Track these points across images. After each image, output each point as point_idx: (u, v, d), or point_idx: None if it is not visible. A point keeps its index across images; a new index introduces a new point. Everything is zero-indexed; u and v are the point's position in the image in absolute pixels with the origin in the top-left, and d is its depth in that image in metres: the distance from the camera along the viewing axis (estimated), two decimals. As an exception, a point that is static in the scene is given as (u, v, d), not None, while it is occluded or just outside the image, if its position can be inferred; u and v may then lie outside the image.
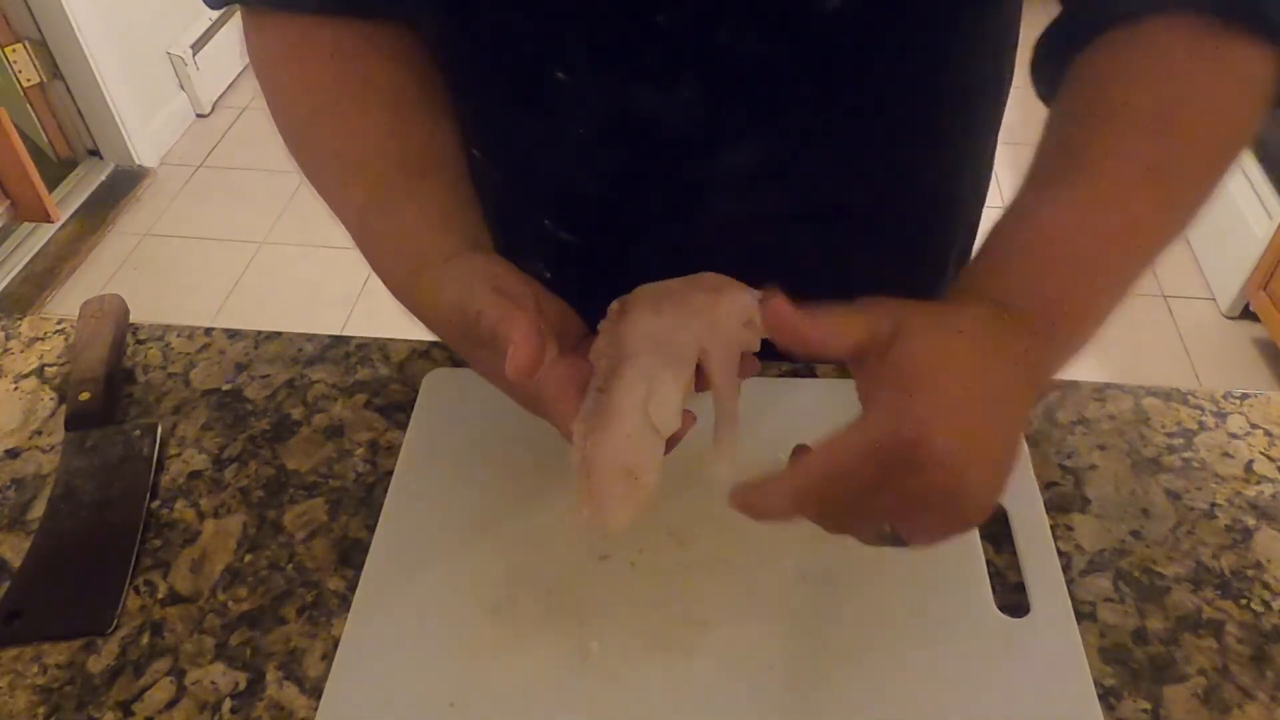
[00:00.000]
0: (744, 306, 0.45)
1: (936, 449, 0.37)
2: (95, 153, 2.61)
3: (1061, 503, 0.60)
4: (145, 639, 0.54)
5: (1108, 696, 0.51)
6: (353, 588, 0.55)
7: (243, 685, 0.52)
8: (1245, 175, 2.10)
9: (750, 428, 0.53)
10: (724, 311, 0.45)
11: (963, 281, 0.45)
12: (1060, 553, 0.56)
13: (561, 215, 0.70)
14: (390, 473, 0.61)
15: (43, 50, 2.40)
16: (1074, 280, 0.44)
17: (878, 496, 0.38)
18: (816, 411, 0.62)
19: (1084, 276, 0.44)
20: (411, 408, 0.65)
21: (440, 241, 0.50)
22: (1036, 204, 0.45)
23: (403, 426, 0.64)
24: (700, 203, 0.65)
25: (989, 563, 0.56)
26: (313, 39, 0.57)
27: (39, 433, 0.66)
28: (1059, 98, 0.51)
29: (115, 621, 0.55)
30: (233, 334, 0.72)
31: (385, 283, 0.52)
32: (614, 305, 0.48)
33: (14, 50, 2.36)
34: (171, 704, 0.51)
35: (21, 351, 0.72)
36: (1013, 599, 0.54)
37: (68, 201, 2.49)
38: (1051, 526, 0.57)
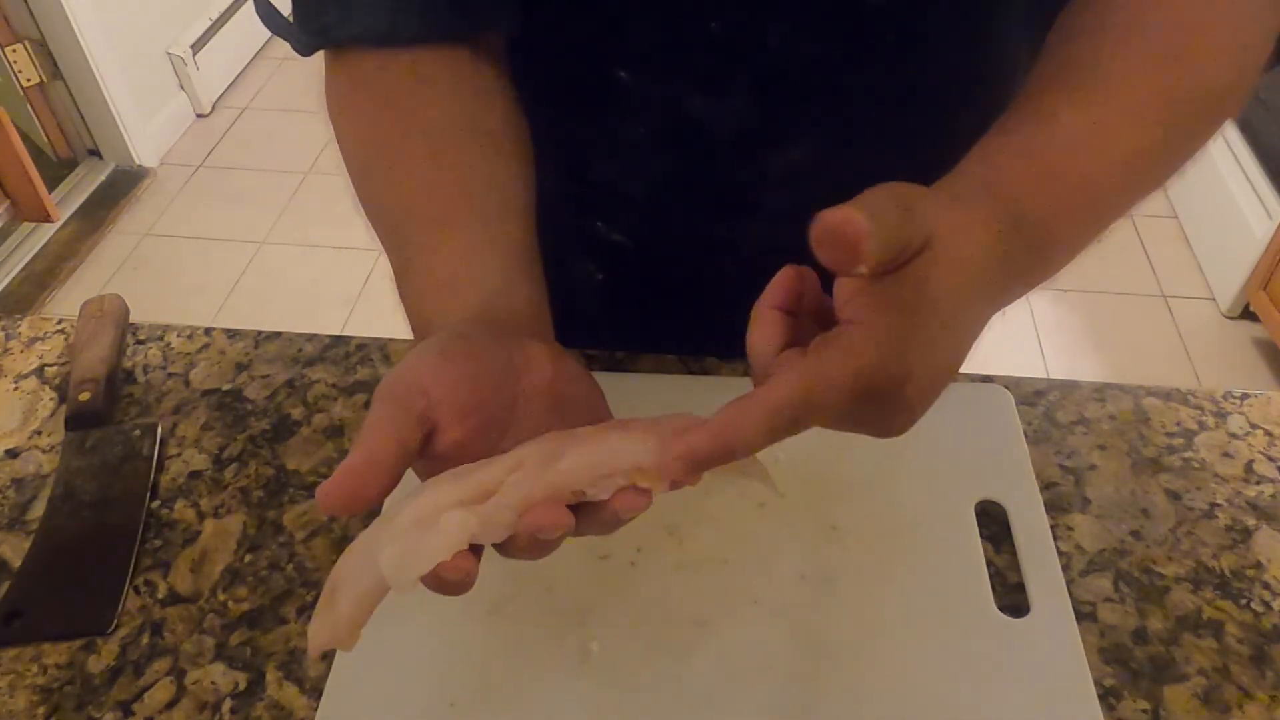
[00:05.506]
0: (631, 460, 0.37)
1: (908, 395, 0.35)
2: (95, 153, 2.61)
3: (1061, 503, 0.60)
4: (145, 639, 0.54)
5: (1108, 696, 0.51)
6: (353, 588, 0.55)
7: (243, 685, 0.52)
8: (1245, 175, 2.10)
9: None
10: (600, 453, 0.37)
11: (977, 172, 0.42)
12: (1060, 553, 0.56)
13: (613, 217, 0.70)
14: (390, 473, 0.61)
15: (43, 50, 2.40)
16: (1082, 203, 0.43)
17: (832, 416, 0.35)
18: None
19: (1088, 200, 0.44)
20: (411, 408, 0.65)
21: (436, 318, 0.46)
22: (1052, 114, 0.44)
23: (403, 426, 0.64)
24: (751, 201, 0.65)
25: (989, 563, 0.56)
26: (384, 72, 0.53)
27: (39, 433, 0.66)
28: (1068, 10, 0.49)
29: (115, 621, 0.55)
30: (233, 334, 0.72)
31: None
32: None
33: (14, 50, 2.36)
34: (171, 704, 0.51)
35: (21, 351, 0.72)
36: (1013, 599, 0.54)
37: (68, 201, 2.49)
38: (1051, 526, 0.57)
